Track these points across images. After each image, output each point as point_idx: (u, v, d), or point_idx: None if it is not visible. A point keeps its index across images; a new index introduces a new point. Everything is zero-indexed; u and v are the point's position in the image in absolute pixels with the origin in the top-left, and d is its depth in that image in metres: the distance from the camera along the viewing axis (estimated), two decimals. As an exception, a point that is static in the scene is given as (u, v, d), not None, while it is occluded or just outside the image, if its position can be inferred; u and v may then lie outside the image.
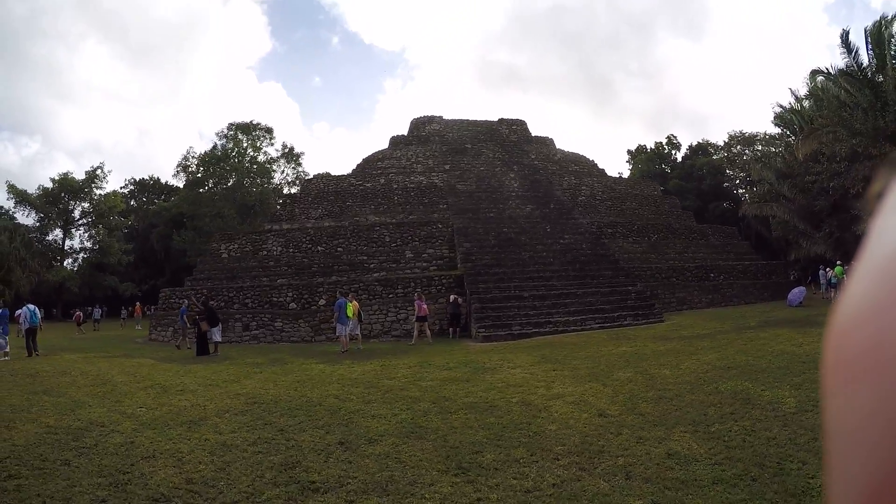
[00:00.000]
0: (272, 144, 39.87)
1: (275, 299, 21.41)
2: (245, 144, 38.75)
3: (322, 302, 20.97)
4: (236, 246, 25.32)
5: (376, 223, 24.31)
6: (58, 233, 48.67)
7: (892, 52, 22.54)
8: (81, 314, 30.28)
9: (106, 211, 46.78)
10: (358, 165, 31.28)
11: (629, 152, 51.84)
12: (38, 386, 9.98)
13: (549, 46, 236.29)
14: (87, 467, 5.57)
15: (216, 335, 16.93)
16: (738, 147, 44.96)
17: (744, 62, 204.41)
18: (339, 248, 23.65)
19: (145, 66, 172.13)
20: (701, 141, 47.40)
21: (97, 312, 31.11)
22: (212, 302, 21.06)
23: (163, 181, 55.69)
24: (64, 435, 6.62)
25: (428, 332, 17.65)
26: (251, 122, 39.91)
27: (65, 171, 46.97)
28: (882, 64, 21.72)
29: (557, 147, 34.19)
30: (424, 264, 22.44)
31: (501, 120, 34.82)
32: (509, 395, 8.51)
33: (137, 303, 35.05)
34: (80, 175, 47.98)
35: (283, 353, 16.49)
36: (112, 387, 10.01)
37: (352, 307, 16.63)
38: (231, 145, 38.56)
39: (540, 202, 26.15)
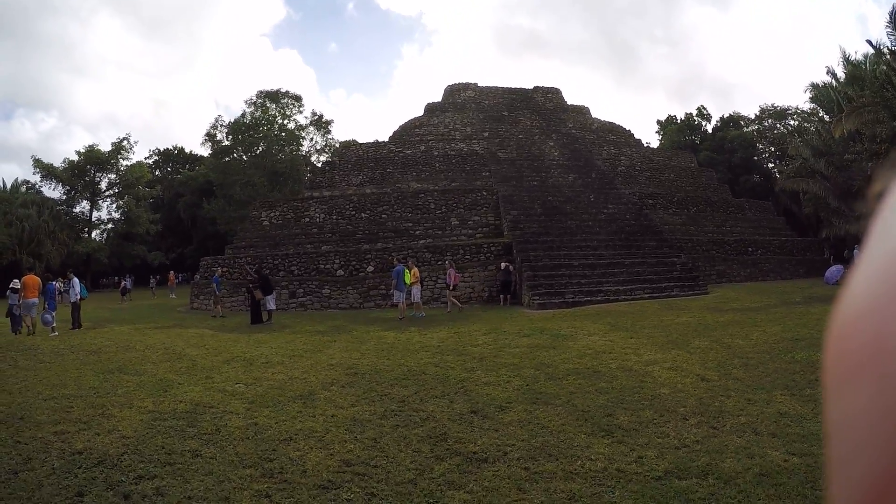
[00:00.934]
0: (301, 112, 40.27)
1: (321, 266, 21.90)
2: (273, 112, 39.02)
3: (370, 269, 21.54)
4: (278, 213, 25.83)
5: (420, 190, 24.79)
6: (84, 205, 49.46)
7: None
8: (127, 284, 30.93)
9: (133, 181, 47.38)
10: (395, 132, 31.59)
11: (658, 122, 52.05)
12: (108, 364, 9.57)
13: (570, 12, 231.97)
14: (223, 457, 5.10)
15: (270, 303, 17.13)
16: (770, 121, 44.95)
17: (771, 31, 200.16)
18: (383, 215, 24.20)
19: (159, 37, 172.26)
20: (732, 113, 47.42)
21: (128, 282, 31.93)
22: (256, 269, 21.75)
23: (187, 151, 56.29)
24: (175, 420, 6.21)
25: (456, 301, 17.90)
26: (279, 89, 40.19)
27: (89, 144, 47.54)
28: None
29: (593, 116, 34.37)
30: (470, 231, 23.02)
31: (536, 88, 34.89)
32: (606, 362, 9.11)
33: (171, 272, 35.78)
34: (105, 147, 48.66)
35: (338, 320, 16.85)
36: (191, 362, 9.78)
37: (410, 274, 17.21)
38: (259, 113, 38.81)
39: (581, 171, 26.56)
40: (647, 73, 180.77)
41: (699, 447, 5.48)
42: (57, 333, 14.29)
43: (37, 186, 46.87)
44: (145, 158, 55.83)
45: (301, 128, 39.59)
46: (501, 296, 19.40)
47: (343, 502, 4.28)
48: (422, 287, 17.86)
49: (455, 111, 31.92)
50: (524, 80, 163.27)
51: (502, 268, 19.53)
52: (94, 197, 48.24)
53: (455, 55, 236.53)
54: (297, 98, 40.20)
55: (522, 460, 5.06)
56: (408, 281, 16.94)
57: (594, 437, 5.72)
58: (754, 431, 5.93)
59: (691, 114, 49.35)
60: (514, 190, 24.12)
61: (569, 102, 34.74)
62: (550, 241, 20.85)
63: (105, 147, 48.23)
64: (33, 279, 15.20)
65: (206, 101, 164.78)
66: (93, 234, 48.76)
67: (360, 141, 40.10)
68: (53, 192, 48.70)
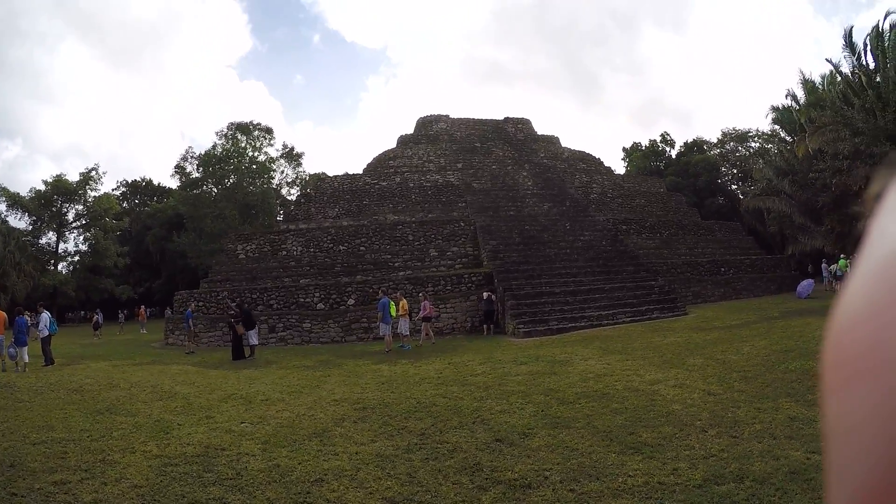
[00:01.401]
0: (272, 145, 40.23)
1: (301, 300, 21.67)
2: (244, 144, 38.88)
3: (351, 302, 21.38)
4: (254, 246, 25.60)
5: (398, 222, 24.90)
6: (51, 236, 48.15)
7: (891, 55, 24.12)
8: (99, 318, 30.03)
9: (101, 213, 46.26)
10: (369, 164, 31.77)
11: (624, 149, 53.63)
12: (95, 403, 9.07)
13: (533, 42, 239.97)
14: (253, 504, 5.00)
15: (253, 338, 16.81)
16: (732, 144, 46.94)
17: (728, 56, 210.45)
18: (361, 248, 24.17)
19: (125, 66, 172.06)
20: (695, 138, 49.38)
21: (100, 317, 31.04)
22: (237, 304, 21.35)
23: (155, 182, 55.39)
24: (187, 465, 5.89)
25: (431, 332, 17.84)
26: (251, 121, 40.18)
27: (56, 174, 46.70)
28: (882, 66, 23.26)
29: (563, 145, 35.24)
30: (449, 262, 23.14)
31: (507, 118, 35.70)
32: (611, 384, 9.24)
33: (142, 306, 34.85)
34: (73, 177, 47.71)
35: (324, 354, 16.66)
36: (184, 400, 9.44)
37: (397, 306, 17.16)
38: (231, 145, 38.62)
39: (556, 200, 27.09)
40: (610, 100, 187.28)
41: (726, 455, 5.69)
42: (25, 370, 14.12)
43: (2, 216, 45.57)
44: (113, 190, 55.02)
45: (272, 160, 39.59)
46: (485, 325, 19.48)
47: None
48: (410, 319, 17.58)
49: (428, 143, 32.35)
50: (491, 110, 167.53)
51: (485, 297, 19.64)
52: (61, 228, 46.98)
53: (420, 87, 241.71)
54: (269, 130, 40.29)
55: (565, 482, 5.18)
56: (393, 313, 16.91)
57: (624, 455, 5.92)
58: (772, 436, 6.18)
59: (655, 140, 51.36)
60: (491, 220, 24.43)
61: (539, 132, 35.61)
62: (531, 270, 21.11)
63: (73, 177, 47.47)
64: (0, 315, 14.93)
65: (171, 132, 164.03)
66: (59, 267, 47.36)
67: (330, 173, 40.48)
68: (19, 222, 47.54)
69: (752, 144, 44.97)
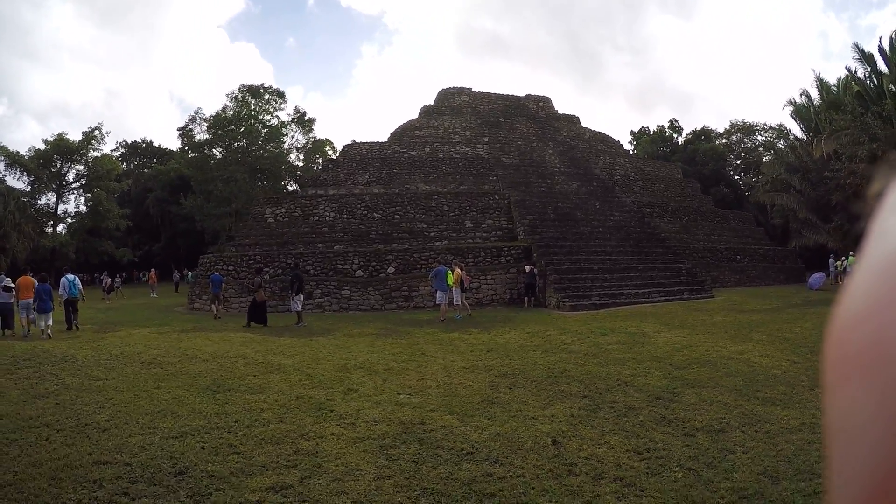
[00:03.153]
0: (282, 109, 40.35)
1: (339, 266, 22.13)
2: (255, 108, 38.91)
3: (391, 270, 22.17)
4: (284, 210, 26.07)
5: (431, 192, 25.82)
6: (50, 196, 47.48)
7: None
8: (111, 280, 30.29)
9: (103, 174, 45.81)
10: (394, 133, 32.44)
11: (632, 133, 55.23)
12: (193, 380, 8.50)
13: (534, 16, 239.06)
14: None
15: (298, 304, 16.83)
16: (738, 135, 48.83)
17: (731, 45, 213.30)
18: (396, 216, 25.04)
19: (112, 25, 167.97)
20: (702, 127, 51.21)
21: (116, 281, 31.22)
22: (266, 269, 21.76)
23: (155, 144, 54.77)
24: (408, 446, 5.67)
25: (465, 302, 18.31)
26: (262, 84, 40.15)
27: (56, 133, 45.70)
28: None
29: (583, 125, 36.44)
30: (484, 234, 24.27)
31: (528, 95, 36.59)
32: (704, 353, 10.33)
33: (153, 269, 35.00)
34: (74, 136, 46.99)
35: (376, 322, 16.79)
36: (301, 373, 9.01)
37: (451, 275, 18.11)
38: (242, 108, 38.61)
39: (583, 179, 28.36)
40: (609, 80, 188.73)
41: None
42: (51, 336, 14.14)
43: (1, 175, 44.70)
44: (112, 150, 54.28)
45: (283, 125, 39.74)
46: (525, 298, 20.72)
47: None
48: (464, 290, 18.12)
49: (452, 115, 33.13)
50: (490, 83, 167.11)
51: (527, 271, 20.80)
52: (61, 188, 46.30)
53: (416, 56, 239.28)
54: (280, 94, 40.35)
55: (744, 427, 6.27)
56: (450, 282, 17.82)
57: (766, 406, 7.06)
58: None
59: (663, 126, 53.07)
60: (524, 195, 25.56)
61: (560, 111, 36.73)
62: (569, 246, 22.40)
63: (74, 136, 46.75)
64: (28, 280, 15.42)
65: (160, 92, 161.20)
66: (58, 228, 46.90)
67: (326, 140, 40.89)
68: (17, 181, 46.73)
69: (758, 137, 47.04)
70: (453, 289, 17.78)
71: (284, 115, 39.96)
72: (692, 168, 44.19)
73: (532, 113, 35.05)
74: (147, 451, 5.48)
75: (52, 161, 45.99)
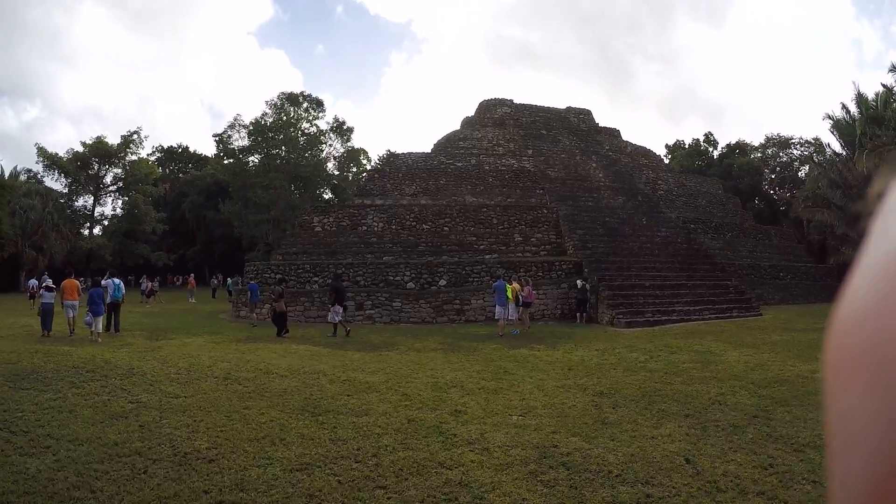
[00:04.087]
0: (321, 117, 41.43)
1: (390, 278, 22.62)
2: (294, 116, 40.08)
3: (443, 282, 22.65)
4: (332, 219, 26.87)
5: (480, 204, 26.66)
6: (87, 199, 49.20)
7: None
8: (151, 284, 31.41)
9: (141, 177, 47.35)
10: (438, 143, 33.44)
11: (667, 146, 55.77)
12: (280, 399, 8.43)
13: (564, 25, 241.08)
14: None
15: (338, 315, 17.38)
16: (773, 149, 49.28)
17: (763, 53, 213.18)
18: (445, 228, 25.88)
19: (144, 29, 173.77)
20: (738, 141, 51.74)
21: (155, 284, 32.32)
22: (316, 279, 22.69)
23: (191, 150, 56.46)
24: (586, 475, 5.70)
25: (527, 318, 18.84)
26: (301, 93, 41.36)
27: (95, 136, 47.36)
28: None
29: (624, 139, 37.21)
30: (533, 248, 25.07)
31: (569, 108, 37.42)
32: (783, 371, 11.17)
33: (192, 275, 36.17)
34: (113, 139, 48.58)
35: (433, 336, 17.04)
36: (398, 393, 9.05)
37: (511, 289, 18.61)
38: (283, 115, 39.80)
39: (628, 194, 29.11)
40: (639, 90, 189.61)
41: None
42: (99, 340, 14.86)
43: (38, 176, 46.35)
44: (148, 155, 55.88)
45: (322, 133, 40.85)
46: (578, 313, 21.45)
47: None
48: (520, 306, 18.43)
49: (495, 126, 34.04)
50: (519, 92, 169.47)
51: (578, 286, 21.54)
52: (98, 191, 47.89)
53: (445, 65, 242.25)
54: (319, 103, 41.41)
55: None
56: (509, 296, 18.50)
57: None
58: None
59: (699, 139, 53.58)
60: (572, 209, 26.36)
61: (601, 124, 37.52)
62: (619, 262, 23.14)
63: (111, 140, 48.33)
64: (73, 282, 16.35)
65: (190, 97, 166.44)
66: (95, 230, 48.52)
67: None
68: (55, 183, 48.30)
69: (794, 151, 47.47)
70: (511, 304, 18.10)
71: (323, 123, 41.24)
72: (728, 182, 44.70)
73: (573, 126, 35.86)
74: (276, 488, 5.15)
75: (89, 163, 47.51)
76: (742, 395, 9.55)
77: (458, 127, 36.10)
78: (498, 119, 34.85)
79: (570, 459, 6.20)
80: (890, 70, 29.00)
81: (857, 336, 0.28)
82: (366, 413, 7.77)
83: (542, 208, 26.24)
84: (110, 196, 50.23)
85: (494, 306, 21.12)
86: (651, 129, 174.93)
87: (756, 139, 53.87)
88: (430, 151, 32.65)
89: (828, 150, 37.45)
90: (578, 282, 21.62)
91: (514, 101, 36.33)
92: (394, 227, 26.07)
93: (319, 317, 21.82)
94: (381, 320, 21.65)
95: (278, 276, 23.41)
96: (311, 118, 40.28)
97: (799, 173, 46.50)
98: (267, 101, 42.67)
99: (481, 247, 24.94)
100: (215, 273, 42.19)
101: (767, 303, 26.77)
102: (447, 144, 32.61)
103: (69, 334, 15.79)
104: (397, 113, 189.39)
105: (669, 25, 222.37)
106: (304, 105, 41.27)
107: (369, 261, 23.94)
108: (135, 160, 48.93)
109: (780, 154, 48.91)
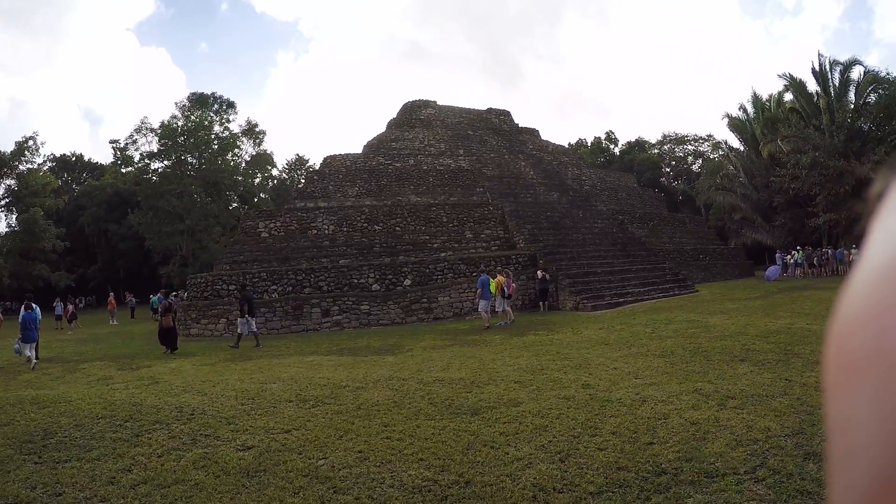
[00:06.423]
0: (233, 120, 40.40)
1: (354, 281, 22.82)
2: (206, 118, 38.68)
3: (408, 282, 23.28)
4: (279, 224, 26.78)
5: (430, 203, 27.86)
6: None
7: (834, 88, 32.07)
8: (72, 308, 29.21)
9: (38, 189, 42.90)
10: (369, 144, 34.14)
11: (569, 144, 60.04)
12: (396, 408, 8.05)
13: (455, 25, 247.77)
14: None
15: (253, 325, 17.41)
16: (670, 145, 55.17)
17: (650, 54, 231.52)
18: (397, 228, 26.79)
19: (16, 27, 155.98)
20: (637, 138, 57.15)
21: (79, 304, 29.97)
22: (274, 287, 22.76)
23: (86, 158, 52.00)
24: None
25: (510, 309, 19.73)
26: (212, 94, 40.04)
27: None
28: (840, 94, 30.91)
29: (543, 139, 40.09)
30: (484, 244, 26.69)
31: (490, 109, 39.64)
32: (773, 329, 13.12)
33: (112, 294, 33.87)
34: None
35: (426, 335, 17.26)
36: (513, 381, 9.25)
37: (494, 283, 19.74)
38: (195, 118, 38.24)
39: (560, 190, 31.66)
40: (529, 89, 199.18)
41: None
42: (35, 369, 14.23)
43: None
44: (39, 164, 50.43)
45: (234, 136, 39.77)
46: (541, 302, 23.32)
47: None
48: (506, 298, 19.37)
49: (423, 127, 35.40)
50: (410, 91, 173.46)
51: (539, 276, 23.39)
52: None
53: (333, 65, 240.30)
54: (230, 104, 40.40)
55: None
56: (493, 290, 19.80)
57: None
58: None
59: (600, 138, 58.61)
60: (515, 206, 28.34)
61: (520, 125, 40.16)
62: (570, 252, 25.38)
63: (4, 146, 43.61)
64: None
65: (67, 100, 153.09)
66: None
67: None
68: None
69: (688, 147, 53.54)
70: (497, 296, 19.17)
71: (235, 126, 40.32)
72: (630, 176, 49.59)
73: (496, 126, 38.12)
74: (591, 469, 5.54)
75: None
76: (759, 343, 11.63)
77: (383, 128, 37.04)
78: (424, 120, 36.25)
79: (713, 390, 7.90)
80: (779, 76, 34.44)
81: (858, 338, 0.29)
82: (516, 404, 7.97)
83: (487, 205, 27.97)
84: (1, 211, 45.37)
85: (461, 303, 22.58)
86: (545, 127, 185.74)
87: (644, 135, 59.87)
88: (361, 152, 33.35)
89: (723, 145, 42.93)
90: (539, 272, 23.38)
91: (438, 103, 37.94)
92: (345, 229, 26.50)
93: (283, 327, 21.89)
94: (350, 325, 21.69)
95: (232, 286, 23.12)
96: (222, 121, 39.26)
97: (693, 167, 52.35)
98: (176, 103, 41.04)
99: (435, 245, 26.10)
100: (121, 291, 39.62)
101: (695, 281, 30.33)
102: (380, 146, 33.48)
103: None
104: (285, 112, 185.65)
105: (558, 26, 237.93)
106: (215, 107, 40.20)
107: (325, 265, 24.14)
108: (31, 170, 44.59)
109: (676, 149, 54.92)
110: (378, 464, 5.97)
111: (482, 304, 19.01)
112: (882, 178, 0.33)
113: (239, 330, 17.46)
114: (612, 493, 5.08)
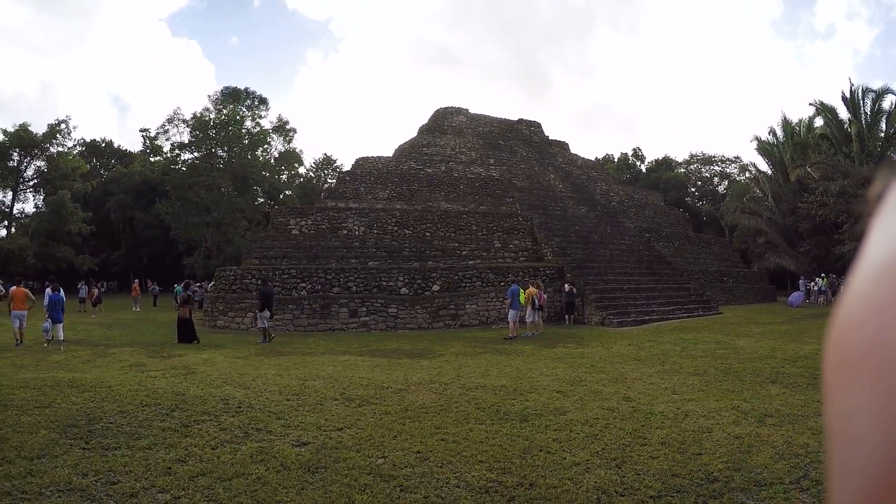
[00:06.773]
0: (265, 116, 41.33)
1: (383, 284, 23.36)
2: (238, 113, 39.60)
3: (436, 288, 23.53)
4: (310, 222, 27.42)
5: (461, 211, 28.48)
6: (5, 194, 45.10)
7: (866, 116, 32.32)
8: (97, 291, 30.08)
9: (68, 172, 44.24)
10: (401, 148, 34.92)
11: (597, 159, 60.48)
12: (443, 411, 8.13)
13: (485, 30, 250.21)
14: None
15: (264, 321, 17.79)
16: (697, 165, 55.43)
17: (680, 71, 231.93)
18: (427, 233, 27.35)
19: (49, 9, 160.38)
20: (664, 156, 57.45)
21: (102, 288, 30.85)
22: (303, 284, 23.34)
23: (115, 145, 53.31)
24: None
25: (540, 321, 20.13)
26: (245, 89, 40.99)
27: (17, 123, 43.35)
28: (872, 123, 31.18)
29: (572, 152, 40.63)
30: (512, 254, 27.22)
31: (521, 120, 40.25)
32: (800, 353, 13.81)
33: (136, 280, 34.78)
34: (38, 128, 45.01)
35: (454, 341, 17.60)
36: (555, 392, 9.44)
37: (525, 294, 19.74)
38: (227, 111, 39.18)
39: (588, 205, 32.15)
40: (557, 99, 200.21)
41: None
42: (61, 349, 14.60)
43: None
44: (69, 148, 51.74)
45: (265, 132, 40.64)
46: (566, 315, 23.76)
47: None
48: (535, 309, 19.76)
49: (454, 135, 36.08)
50: (436, 97, 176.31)
51: (566, 290, 23.86)
52: (17, 186, 44.14)
53: (362, 66, 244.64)
54: (263, 100, 41.32)
55: None
56: (522, 301, 20.29)
57: None
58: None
59: (627, 154, 58.94)
60: (544, 218, 28.86)
61: (551, 137, 40.74)
62: (597, 268, 25.84)
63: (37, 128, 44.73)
64: (21, 291, 16.08)
65: (96, 86, 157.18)
66: (12, 229, 44.52)
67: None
68: None
69: (715, 168, 53.83)
70: (528, 307, 19.61)
71: (266, 122, 41.16)
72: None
73: (526, 137, 38.71)
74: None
75: (8, 154, 44.11)
76: (788, 367, 12.08)
77: (415, 133, 37.76)
78: (456, 127, 36.94)
79: (750, 408, 8.24)
80: (810, 104, 34.75)
81: (858, 336, 0.30)
82: (563, 412, 8.18)
83: (517, 216, 28.51)
84: (31, 192, 46.54)
85: (488, 311, 23.14)
86: (571, 139, 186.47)
87: (670, 153, 60.16)
88: (392, 155, 34.07)
89: (751, 168, 43.19)
90: (566, 286, 23.84)
91: (470, 111, 38.61)
92: (375, 231, 27.07)
93: (310, 325, 22.45)
94: (377, 327, 22.10)
95: (260, 281, 23.69)
96: (254, 116, 40.19)
97: (719, 188, 52.56)
98: (209, 96, 42.16)
99: (463, 252, 26.67)
100: (143, 279, 40.55)
101: (717, 303, 30.73)
102: (411, 150, 34.17)
103: (16, 344, 15.30)
104: (313, 110, 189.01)
105: (588, 38, 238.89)
106: (247, 102, 41.14)
107: (355, 265, 24.69)
108: (62, 153, 45.79)
109: (702, 169, 55.14)
110: (439, 464, 6.04)
111: (511, 314, 19.49)
112: (882, 178, 0.34)
113: (259, 324, 18.00)
114: (671, 497, 5.57)
